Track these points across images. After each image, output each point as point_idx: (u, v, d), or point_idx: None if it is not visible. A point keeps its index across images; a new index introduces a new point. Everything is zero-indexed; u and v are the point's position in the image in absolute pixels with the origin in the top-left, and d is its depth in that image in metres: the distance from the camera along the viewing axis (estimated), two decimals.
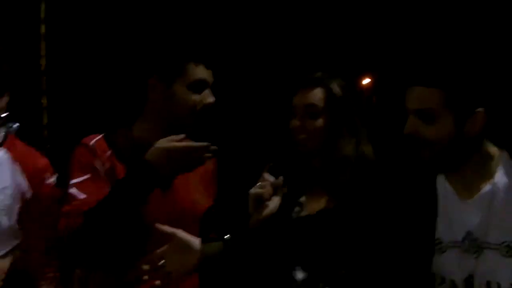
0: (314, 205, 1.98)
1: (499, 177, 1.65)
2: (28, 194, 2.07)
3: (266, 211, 1.90)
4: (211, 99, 2.01)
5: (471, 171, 1.68)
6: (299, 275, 1.91)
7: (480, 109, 1.62)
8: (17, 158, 2.05)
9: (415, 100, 1.64)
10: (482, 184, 1.66)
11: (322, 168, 2.01)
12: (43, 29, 8.57)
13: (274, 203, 1.92)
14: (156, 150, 1.78)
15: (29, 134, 2.29)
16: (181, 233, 1.76)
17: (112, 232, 1.80)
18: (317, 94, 1.99)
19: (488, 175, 1.67)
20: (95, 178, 1.94)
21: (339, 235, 1.87)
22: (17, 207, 2.03)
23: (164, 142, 1.79)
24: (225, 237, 1.80)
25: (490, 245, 1.62)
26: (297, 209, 2.01)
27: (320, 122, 1.99)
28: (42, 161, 2.16)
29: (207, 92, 2.01)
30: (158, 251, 1.73)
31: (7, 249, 2.06)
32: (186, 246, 1.74)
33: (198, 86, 1.98)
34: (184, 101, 1.98)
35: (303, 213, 1.99)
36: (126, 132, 2.05)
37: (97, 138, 2.03)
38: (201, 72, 1.99)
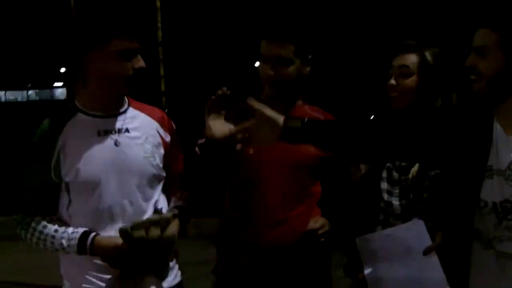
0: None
1: None
2: (167, 139, 2.25)
3: None
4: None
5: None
6: (398, 211, 2.17)
7: None
8: (146, 111, 2.23)
9: (476, 39, 1.91)
10: None
11: (417, 120, 2.23)
12: (158, 2, 9.08)
13: None
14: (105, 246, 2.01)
15: (149, 100, 2.50)
16: (268, 110, 1.97)
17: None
18: (411, 58, 2.25)
19: None
20: None
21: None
22: (161, 153, 2.21)
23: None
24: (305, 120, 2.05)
25: None
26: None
27: (411, 81, 2.23)
28: (161, 112, 2.35)
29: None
30: (248, 123, 1.99)
31: (169, 205, 2.25)
32: (271, 120, 1.97)
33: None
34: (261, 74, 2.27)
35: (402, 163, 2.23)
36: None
37: None
38: (270, 48, 2.24)
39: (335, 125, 2.14)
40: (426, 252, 2.04)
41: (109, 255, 1.98)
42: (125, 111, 2.12)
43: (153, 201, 2.13)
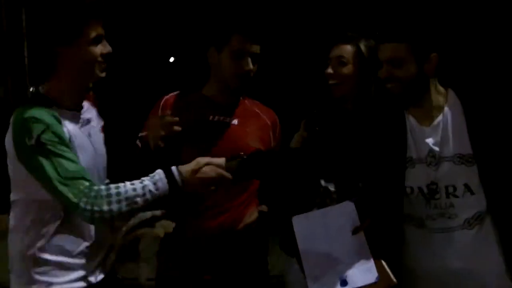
0: None
1: (448, 108, 2.23)
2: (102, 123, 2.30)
3: None
4: (248, 66, 2.37)
5: (428, 104, 2.22)
6: (331, 187, 2.39)
7: (434, 54, 2.15)
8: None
9: (385, 53, 2.17)
10: (436, 114, 2.23)
11: (353, 109, 2.45)
12: None
13: None
14: (190, 174, 2.04)
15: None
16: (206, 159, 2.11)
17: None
18: (347, 48, 2.45)
19: (439, 107, 2.23)
20: None
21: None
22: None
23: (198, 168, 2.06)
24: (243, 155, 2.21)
25: (445, 158, 2.19)
26: None
27: (347, 69, 2.43)
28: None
29: (247, 60, 2.37)
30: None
31: None
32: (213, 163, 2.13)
33: (239, 54, 2.36)
34: (227, 67, 2.38)
35: None
36: (197, 92, 2.51)
37: (173, 94, 2.52)
38: (242, 42, 2.36)
39: (268, 157, 2.31)
40: (354, 232, 2.20)
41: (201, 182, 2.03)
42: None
43: None
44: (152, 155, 2.31)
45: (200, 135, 2.41)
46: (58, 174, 1.91)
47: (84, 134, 2.09)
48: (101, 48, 2.02)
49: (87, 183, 1.93)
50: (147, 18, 9.12)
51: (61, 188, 1.91)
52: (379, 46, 2.19)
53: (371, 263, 2.16)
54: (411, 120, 2.24)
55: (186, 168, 2.02)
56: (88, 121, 2.14)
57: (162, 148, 2.31)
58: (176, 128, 2.32)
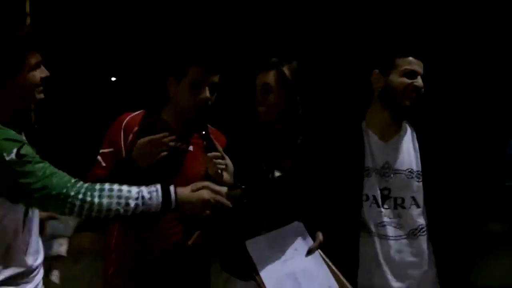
0: (286, 163, 2.46)
1: (405, 128, 2.48)
2: None
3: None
4: (205, 95, 2.41)
5: (386, 122, 2.44)
6: (282, 216, 2.38)
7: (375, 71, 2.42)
8: None
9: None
10: (395, 132, 2.47)
11: (282, 133, 2.48)
12: (28, 20, 8.81)
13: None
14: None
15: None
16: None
17: None
18: (270, 75, 2.45)
19: (398, 126, 2.48)
20: (116, 153, 2.44)
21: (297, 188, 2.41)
22: None
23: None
24: None
25: (398, 170, 2.41)
26: (277, 171, 2.45)
27: (273, 97, 2.44)
28: None
29: (205, 89, 2.40)
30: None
31: None
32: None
33: (197, 85, 2.40)
34: (186, 98, 2.42)
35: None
36: (157, 115, 2.54)
37: (135, 114, 2.54)
38: (200, 73, 2.40)
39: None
40: (309, 253, 2.28)
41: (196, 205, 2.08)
42: None
43: None
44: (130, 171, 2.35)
45: (161, 161, 2.42)
46: (44, 172, 1.93)
47: None
48: (39, 73, 2.09)
49: (75, 179, 1.97)
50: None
51: (49, 181, 1.93)
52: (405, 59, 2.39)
53: (331, 280, 2.22)
54: (370, 133, 2.44)
55: (184, 190, 2.08)
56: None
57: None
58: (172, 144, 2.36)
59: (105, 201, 1.94)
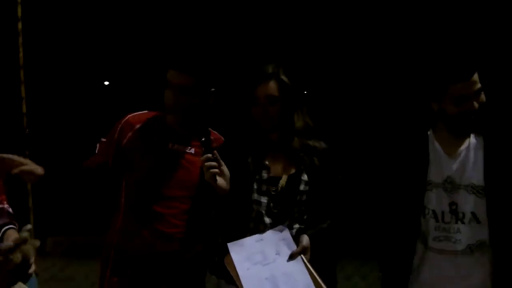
0: (277, 168, 2.49)
1: (471, 143, 2.42)
2: None
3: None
4: (170, 99, 2.48)
5: (450, 136, 2.42)
6: (267, 220, 2.41)
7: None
8: None
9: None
10: (460, 145, 2.41)
11: (280, 139, 2.51)
12: (20, 25, 8.80)
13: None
14: None
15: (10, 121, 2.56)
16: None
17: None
18: (272, 86, 2.46)
19: (464, 140, 2.42)
20: (108, 144, 2.58)
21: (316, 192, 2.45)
22: None
23: None
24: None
25: (460, 186, 2.38)
26: (264, 172, 2.47)
27: (277, 107, 2.47)
28: None
29: (171, 93, 2.46)
30: None
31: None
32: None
33: (171, 88, 2.45)
34: (166, 100, 2.49)
35: (271, 174, 2.48)
36: (162, 117, 2.60)
37: (141, 113, 2.66)
38: (176, 77, 2.45)
39: None
40: (292, 257, 2.29)
41: None
42: None
43: None
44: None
45: (159, 161, 2.52)
46: None
47: None
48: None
49: None
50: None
51: None
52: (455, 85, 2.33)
53: (311, 286, 2.23)
54: (435, 144, 2.43)
55: None
56: None
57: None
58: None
59: None
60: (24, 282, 2.10)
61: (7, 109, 7.12)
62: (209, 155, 2.30)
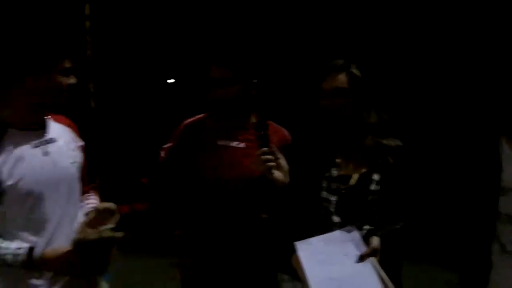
0: (348, 165, 2.41)
1: None
2: (80, 143, 2.41)
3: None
4: (215, 94, 2.51)
5: None
6: (335, 219, 2.34)
7: None
8: (57, 120, 2.34)
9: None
10: None
11: (351, 135, 2.42)
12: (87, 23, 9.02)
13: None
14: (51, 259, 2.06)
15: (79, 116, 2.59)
16: None
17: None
18: (341, 78, 2.39)
19: None
20: (171, 149, 2.65)
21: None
22: (80, 156, 2.36)
23: None
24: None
25: None
26: (334, 169, 2.40)
27: (346, 100, 2.39)
28: (67, 119, 2.46)
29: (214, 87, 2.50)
30: None
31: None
32: None
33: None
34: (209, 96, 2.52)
35: (342, 172, 2.42)
36: (215, 115, 2.63)
37: (196, 116, 2.70)
38: (214, 71, 2.51)
39: None
40: (361, 259, 2.20)
41: (59, 265, 2.01)
42: (47, 123, 2.23)
43: (81, 204, 2.28)
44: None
45: (210, 157, 2.53)
46: None
47: (38, 153, 2.13)
48: (68, 79, 2.15)
49: None
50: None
51: None
52: None
53: None
54: (505, 149, 2.30)
55: (51, 253, 2.03)
56: (47, 141, 2.18)
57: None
58: None
59: None
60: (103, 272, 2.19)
61: (77, 104, 7.30)
62: (265, 148, 2.27)
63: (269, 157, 2.27)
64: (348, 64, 2.41)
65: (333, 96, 2.38)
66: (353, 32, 8.55)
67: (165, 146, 2.67)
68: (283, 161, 2.31)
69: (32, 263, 1.98)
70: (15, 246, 1.98)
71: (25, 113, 2.12)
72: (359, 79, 2.38)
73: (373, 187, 2.34)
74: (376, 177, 2.35)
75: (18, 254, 1.97)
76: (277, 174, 2.28)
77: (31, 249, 1.99)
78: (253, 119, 2.57)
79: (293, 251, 2.28)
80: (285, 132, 2.64)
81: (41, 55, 2.06)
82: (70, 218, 2.17)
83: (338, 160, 2.41)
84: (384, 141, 2.40)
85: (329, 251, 2.23)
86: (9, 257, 1.97)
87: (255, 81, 2.54)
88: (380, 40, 8.91)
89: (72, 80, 2.16)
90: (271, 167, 2.27)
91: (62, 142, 2.23)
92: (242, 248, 2.51)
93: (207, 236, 2.53)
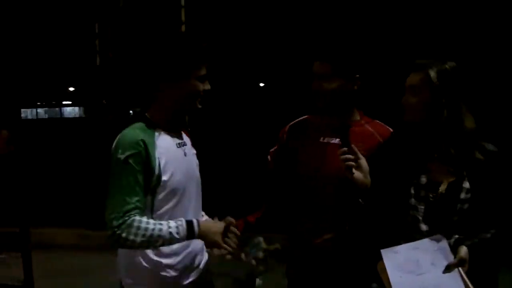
0: (438, 172, 2.35)
1: None
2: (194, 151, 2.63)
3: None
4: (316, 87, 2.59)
5: None
6: (423, 227, 2.30)
7: None
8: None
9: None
10: None
11: (443, 139, 2.36)
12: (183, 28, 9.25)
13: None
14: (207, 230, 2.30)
15: None
16: None
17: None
18: (416, 77, 2.38)
19: None
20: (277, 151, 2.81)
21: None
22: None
23: None
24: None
25: None
26: (423, 176, 2.35)
27: (417, 98, 2.36)
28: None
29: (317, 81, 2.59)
30: None
31: None
32: None
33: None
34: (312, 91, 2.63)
35: (431, 179, 2.35)
36: (317, 115, 2.75)
37: (297, 119, 2.82)
38: (315, 66, 2.59)
39: None
40: (448, 269, 2.16)
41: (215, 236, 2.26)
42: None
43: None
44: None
45: (311, 154, 2.62)
46: (115, 188, 2.21)
47: (181, 153, 2.36)
48: (203, 85, 2.35)
49: (127, 211, 2.17)
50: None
51: (109, 199, 2.22)
52: None
53: None
54: None
55: (206, 224, 2.30)
56: (184, 144, 2.42)
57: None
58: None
59: (138, 239, 2.16)
60: None
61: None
62: (345, 148, 2.29)
63: (350, 156, 2.29)
64: (426, 65, 2.37)
65: (409, 92, 2.38)
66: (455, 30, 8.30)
67: (271, 150, 2.80)
68: (363, 162, 2.31)
69: (193, 233, 2.22)
70: (172, 223, 2.21)
71: (170, 116, 2.35)
72: (432, 82, 2.33)
73: (463, 195, 2.29)
74: (466, 185, 2.29)
75: (179, 226, 2.21)
76: (357, 174, 2.29)
77: (189, 222, 2.23)
78: (357, 116, 2.63)
79: (379, 258, 2.27)
80: (385, 127, 2.67)
81: (183, 63, 2.28)
82: (196, 215, 2.42)
83: (428, 166, 2.36)
84: (478, 147, 2.34)
85: (416, 260, 2.22)
86: (173, 230, 2.19)
87: (357, 76, 2.56)
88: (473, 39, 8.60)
89: (207, 86, 2.36)
90: (351, 167, 2.28)
91: (189, 146, 2.47)
92: (342, 248, 2.56)
93: (309, 238, 2.60)
